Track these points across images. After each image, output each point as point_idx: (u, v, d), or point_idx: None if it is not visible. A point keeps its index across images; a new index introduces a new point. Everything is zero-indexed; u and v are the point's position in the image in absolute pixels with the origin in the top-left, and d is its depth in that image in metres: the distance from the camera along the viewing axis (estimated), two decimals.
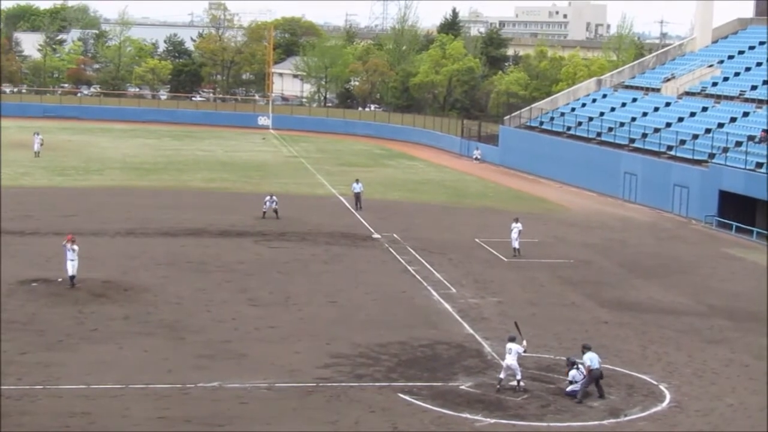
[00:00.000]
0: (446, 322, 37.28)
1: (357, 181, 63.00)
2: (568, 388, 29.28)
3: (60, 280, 39.96)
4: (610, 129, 78.23)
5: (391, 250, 50.18)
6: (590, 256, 51.13)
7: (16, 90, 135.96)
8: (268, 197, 58.18)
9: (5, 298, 37.62)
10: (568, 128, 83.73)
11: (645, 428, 27.25)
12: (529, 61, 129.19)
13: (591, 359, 29.20)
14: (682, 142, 70.16)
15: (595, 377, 29.09)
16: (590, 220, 63.21)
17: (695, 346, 35.57)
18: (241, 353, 32.30)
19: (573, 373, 29.41)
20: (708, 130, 70.01)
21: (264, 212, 57.48)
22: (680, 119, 75.20)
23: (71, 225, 52.67)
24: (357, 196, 61.88)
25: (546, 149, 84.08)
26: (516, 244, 49.89)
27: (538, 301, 41.08)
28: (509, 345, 29.66)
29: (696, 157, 67.00)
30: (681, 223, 63.63)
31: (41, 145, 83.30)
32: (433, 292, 41.67)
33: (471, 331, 36.03)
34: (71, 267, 39.41)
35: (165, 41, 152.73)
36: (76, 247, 39.59)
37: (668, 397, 29.66)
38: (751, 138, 65.19)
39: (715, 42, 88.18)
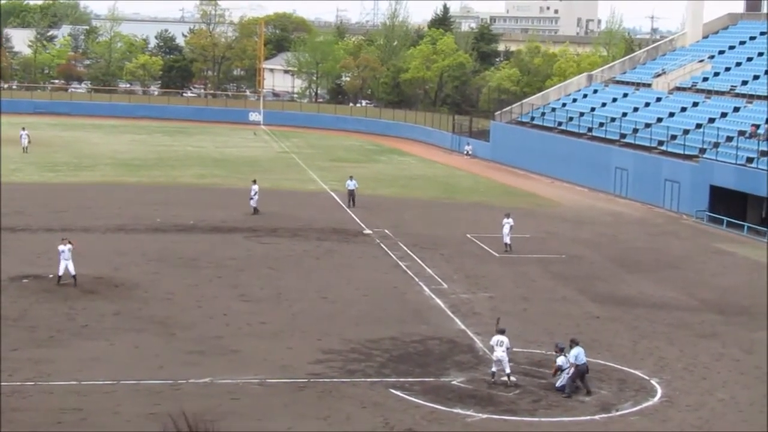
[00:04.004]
0: (438, 318, 37.29)
1: (351, 177, 62.66)
2: (557, 383, 29.31)
3: (51, 276, 39.88)
4: (601, 124, 78.31)
5: (382, 245, 50.17)
6: (581, 251, 51.18)
7: (6, 86, 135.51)
8: (253, 186, 57.97)
9: None
10: (559, 123, 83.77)
11: (636, 423, 27.29)
12: (520, 56, 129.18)
13: (577, 355, 29.23)
14: (673, 137, 70.22)
15: (581, 372, 29.14)
16: (581, 215, 63.27)
17: (686, 340, 35.62)
18: (233, 349, 32.27)
19: (561, 359, 29.42)
20: (699, 125, 70.08)
21: (254, 208, 57.33)
22: (671, 114, 75.29)
23: (62, 221, 52.61)
24: (351, 194, 61.60)
25: (537, 144, 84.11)
26: (507, 240, 49.91)
27: (530, 297, 41.10)
28: (500, 337, 29.69)
29: (687, 152, 67.07)
30: (672, 218, 63.71)
31: (29, 141, 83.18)
32: (425, 288, 41.67)
33: (462, 327, 36.04)
34: (63, 267, 39.24)
35: (156, 37, 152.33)
36: (69, 247, 39.39)
37: (659, 391, 29.71)
38: (741, 133, 65.32)
39: (705, 37, 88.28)
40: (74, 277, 39.32)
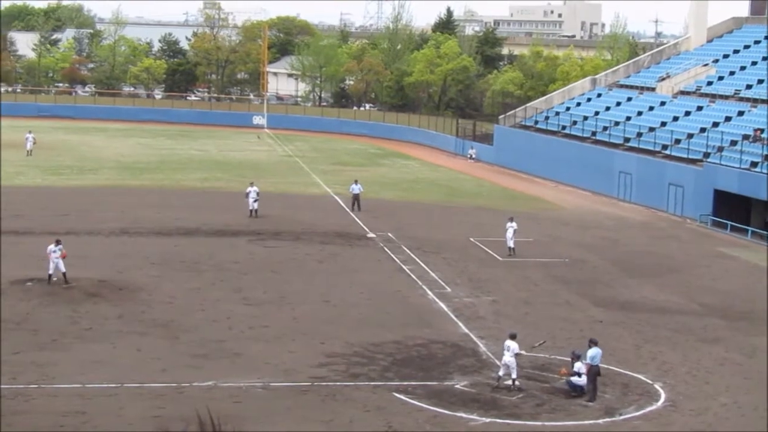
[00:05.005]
0: (441, 321, 37.27)
1: (356, 181, 62.49)
2: (572, 379, 29.23)
3: (55, 279, 39.94)
4: (605, 128, 78.26)
5: (385, 249, 50.16)
6: (585, 255, 51.13)
7: (10, 90, 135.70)
8: (250, 188, 57.99)
9: None
10: (563, 127, 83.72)
11: (640, 427, 27.26)
12: (524, 60, 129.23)
13: (593, 356, 29.22)
14: (677, 141, 70.19)
15: (593, 374, 29.10)
16: (585, 219, 63.23)
17: (689, 345, 35.59)
18: (236, 352, 32.27)
19: (577, 365, 29.40)
20: (703, 129, 70.06)
21: (250, 210, 57.36)
22: (675, 118, 75.24)
23: (65, 224, 52.64)
24: (355, 198, 61.46)
25: (541, 148, 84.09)
26: (511, 243, 49.87)
27: (533, 300, 41.08)
28: (508, 342, 29.70)
29: (691, 156, 67.03)
30: (676, 223, 63.66)
31: (34, 144, 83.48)
32: (428, 291, 41.65)
33: (466, 330, 36.02)
34: (53, 266, 39.83)
35: (159, 40, 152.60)
36: (60, 247, 40.05)
37: (663, 396, 29.68)
38: (746, 137, 65.24)
39: (710, 41, 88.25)
40: (64, 273, 39.77)
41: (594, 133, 79.44)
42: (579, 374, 29.28)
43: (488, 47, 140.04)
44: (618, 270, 48.05)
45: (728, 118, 70.90)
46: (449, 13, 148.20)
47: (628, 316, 39.31)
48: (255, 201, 57.55)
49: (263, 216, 57.10)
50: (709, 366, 33.05)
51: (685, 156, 67.64)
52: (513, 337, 29.95)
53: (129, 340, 33.14)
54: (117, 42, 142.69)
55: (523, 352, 29.87)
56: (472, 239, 53.52)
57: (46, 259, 41.18)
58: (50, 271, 39.84)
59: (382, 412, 27.39)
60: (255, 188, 57.99)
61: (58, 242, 40.42)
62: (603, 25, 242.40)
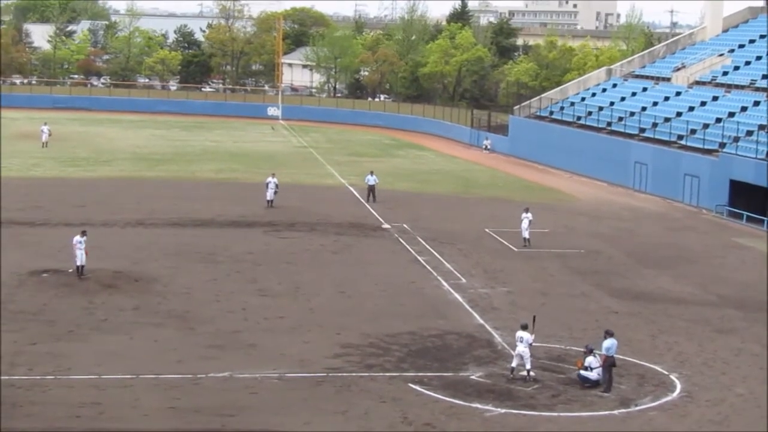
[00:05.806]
0: (456, 312, 37.26)
1: (371, 173, 62.51)
2: (582, 372, 29.22)
3: (71, 270, 40.03)
4: (620, 119, 78.05)
5: (400, 240, 50.15)
6: (600, 245, 51.03)
7: (26, 81, 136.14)
8: (270, 179, 58.13)
9: (15, 289, 37.73)
10: (578, 118, 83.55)
11: (655, 418, 27.22)
12: (538, 50, 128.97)
13: (609, 347, 29.16)
14: (693, 131, 69.97)
15: (608, 364, 29.06)
16: (600, 209, 63.10)
17: (705, 335, 35.51)
18: (251, 343, 32.33)
19: (589, 359, 29.39)
20: (718, 120, 69.80)
21: (268, 201, 57.49)
22: (691, 108, 74.99)
23: (81, 216, 52.76)
24: (371, 189, 61.46)
25: (556, 139, 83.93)
26: (526, 234, 49.81)
27: (548, 291, 41.03)
28: (520, 333, 29.70)
29: (706, 147, 66.83)
30: (691, 213, 63.48)
31: (49, 135, 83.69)
32: (443, 282, 41.64)
33: (481, 321, 36.00)
34: (80, 256, 39.79)
35: (174, 32, 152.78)
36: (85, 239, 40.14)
37: (679, 386, 29.62)
38: (761, 127, 64.99)
39: (725, 31, 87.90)
40: (82, 266, 39.85)
41: (609, 124, 79.25)
42: (590, 368, 29.26)
43: (503, 38, 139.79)
44: (633, 261, 47.95)
45: (744, 108, 70.63)
46: (464, 3, 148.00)
47: (643, 306, 39.24)
48: (273, 192, 57.64)
49: (278, 207, 57.19)
50: (725, 357, 32.97)
51: (700, 146, 67.44)
52: (524, 327, 29.92)
53: (145, 332, 33.24)
54: (132, 33, 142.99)
55: (533, 336, 29.82)
56: (487, 230, 53.48)
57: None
58: (78, 263, 39.81)
59: (398, 402, 27.40)
60: (274, 179, 58.12)
61: (83, 233, 40.44)
62: (618, 16, 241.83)
